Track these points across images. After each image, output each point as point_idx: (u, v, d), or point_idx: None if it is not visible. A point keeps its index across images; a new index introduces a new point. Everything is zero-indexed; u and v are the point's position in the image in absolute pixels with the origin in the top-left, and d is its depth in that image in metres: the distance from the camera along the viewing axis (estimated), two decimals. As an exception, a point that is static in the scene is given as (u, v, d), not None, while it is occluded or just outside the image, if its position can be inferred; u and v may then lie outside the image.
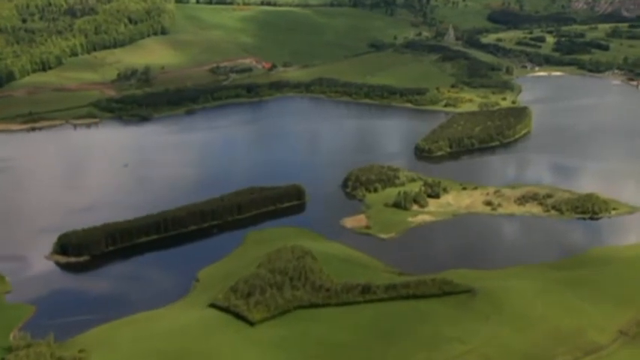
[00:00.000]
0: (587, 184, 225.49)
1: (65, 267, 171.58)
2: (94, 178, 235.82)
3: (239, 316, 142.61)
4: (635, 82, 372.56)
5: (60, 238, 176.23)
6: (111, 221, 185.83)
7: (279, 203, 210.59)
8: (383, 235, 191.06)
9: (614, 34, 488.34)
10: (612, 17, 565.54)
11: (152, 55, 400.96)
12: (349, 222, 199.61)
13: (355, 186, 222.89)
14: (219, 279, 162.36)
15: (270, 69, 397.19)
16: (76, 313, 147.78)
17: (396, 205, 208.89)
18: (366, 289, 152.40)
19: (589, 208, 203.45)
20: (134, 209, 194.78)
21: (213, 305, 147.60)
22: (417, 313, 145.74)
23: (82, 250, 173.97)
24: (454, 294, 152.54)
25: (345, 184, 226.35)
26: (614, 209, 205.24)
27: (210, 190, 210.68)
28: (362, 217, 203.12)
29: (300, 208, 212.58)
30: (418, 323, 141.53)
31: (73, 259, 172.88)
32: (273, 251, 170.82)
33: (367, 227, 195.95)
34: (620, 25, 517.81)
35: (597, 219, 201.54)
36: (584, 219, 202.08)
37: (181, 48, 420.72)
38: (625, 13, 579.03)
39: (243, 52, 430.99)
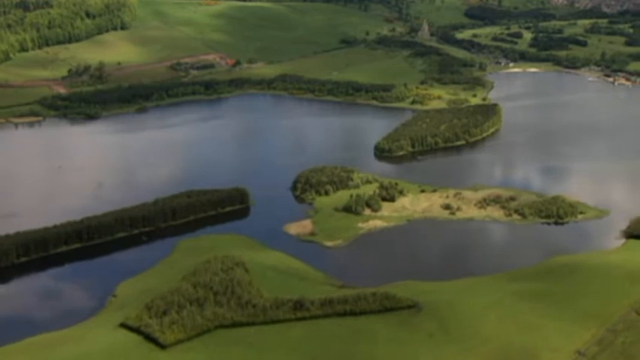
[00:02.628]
0: (554, 186, 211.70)
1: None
2: (22, 181, 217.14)
3: (150, 338, 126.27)
4: (611, 79, 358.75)
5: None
6: (29, 229, 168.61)
7: (220, 208, 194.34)
8: (328, 243, 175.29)
9: (593, 29, 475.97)
10: (592, 13, 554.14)
11: (111, 50, 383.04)
12: (293, 228, 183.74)
13: (305, 188, 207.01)
14: (139, 294, 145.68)
15: (234, 65, 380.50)
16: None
17: (347, 209, 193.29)
18: (298, 305, 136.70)
19: (554, 212, 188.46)
20: (59, 215, 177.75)
21: (123, 325, 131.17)
22: (352, 332, 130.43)
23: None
24: (397, 310, 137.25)
25: (294, 187, 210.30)
26: (581, 213, 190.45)
27: (146, 194, 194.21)
28: (308, 222, 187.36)
29: (242, 213, 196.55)
30: (353, 344, 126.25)
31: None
32: (201, 262, 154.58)
33: (312, 234, 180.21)
34: (599, 21, 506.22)
35: (562, 224, 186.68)
36: (548, 224, 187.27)
37: (143, 44, 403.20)
38: (605, 9, 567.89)
39: (207, 48, 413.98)
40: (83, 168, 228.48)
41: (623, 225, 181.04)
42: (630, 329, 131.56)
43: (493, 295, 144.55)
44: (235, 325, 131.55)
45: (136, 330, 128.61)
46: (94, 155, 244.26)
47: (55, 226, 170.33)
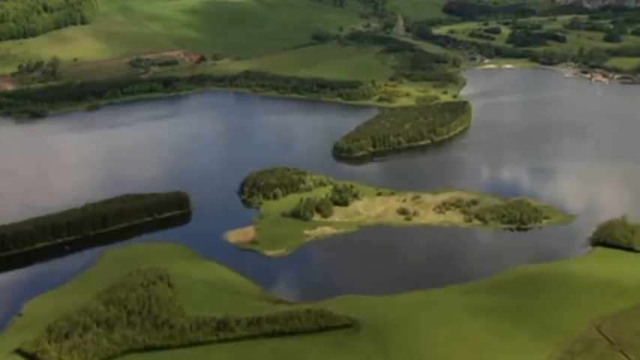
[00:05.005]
0: (521, 189, 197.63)
1: None
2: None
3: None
4: (588, 75, 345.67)
5: None
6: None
7: (157, 213, 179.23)
8: (269, 252, 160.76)
9: (572, 25, 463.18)
10: (573, 8, 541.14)
11: (69, 46, 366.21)
12: (233, 235, 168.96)
13: (252, 192, 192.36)
14: (48, 313, 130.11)
15: (198, 62, 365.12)
16: None
17: (295, 214, 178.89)
18: (221, 325, 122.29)
19: (516, 217, 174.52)
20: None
21: (19, 351, 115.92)
22: (279, 356, 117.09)
23: None
24: (332, 329, 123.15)
25: (241, 190, 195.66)
26: (545, 218, 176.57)
27: (79, 199, 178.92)
28: (250, 229, 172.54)
29: (183, 219, 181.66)
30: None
31: None
32: (122, 276, 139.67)
33: (253, 242, 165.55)
34: (580, 16, 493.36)
35: (525, 230, 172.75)
36: (510, 230, 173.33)
37: (104, 39, 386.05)
38: (586, 5, 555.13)
39: (173, 44, 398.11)
40: (14, 171, 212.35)
41: (591, 231, 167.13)
42: (589, 350, 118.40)
43: (443, 311, 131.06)
44: (147, 349, 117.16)
45: (31, 357, 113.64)
46: (29, 156, 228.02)
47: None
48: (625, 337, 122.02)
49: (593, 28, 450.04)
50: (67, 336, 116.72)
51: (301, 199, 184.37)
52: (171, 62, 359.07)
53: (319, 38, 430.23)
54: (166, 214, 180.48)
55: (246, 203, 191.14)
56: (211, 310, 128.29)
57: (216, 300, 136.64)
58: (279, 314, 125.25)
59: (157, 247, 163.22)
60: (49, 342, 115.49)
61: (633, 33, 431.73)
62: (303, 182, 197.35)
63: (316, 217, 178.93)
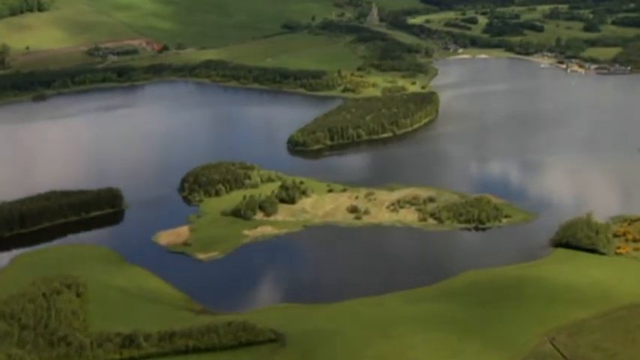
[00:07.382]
0: (483, 185, 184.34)
1: None
2: None
3: None
4: (564, 66, 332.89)
5: None
6: None
7: (85, 212, 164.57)
8: (201, 255, 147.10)
9: (552, 15, 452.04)
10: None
11: (26, 34, 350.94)
12: (165, 237, 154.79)
13: (192, 189, 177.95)
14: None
15: (161, 51, 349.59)
16: None
17: (235, 213, 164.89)
18: (127, 342, 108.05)
19: (475, 216, 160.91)
20: None
21: None
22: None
23: None
24: (254, 344, 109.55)
25: (182, 187, 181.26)
26: (506, 217, 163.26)
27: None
28: (184, 229, 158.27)
29: (113, 219, 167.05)
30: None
31: None
32: (26, 284, 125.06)
33: (186, 244, 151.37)
34: (559, 6, 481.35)
35: (483, 229, 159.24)
36: (467, 229, 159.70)
37: (65, 28, 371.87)
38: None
39: (136, 33, 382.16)
40: None
41: (554, 230, 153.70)
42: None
43: (383, 323, 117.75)
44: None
45: None
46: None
47: None
48: (581, 351, 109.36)
49: (572, 18, 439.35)
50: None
51: (244, 197, 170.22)
52: (132, 51, 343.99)
53: (290, 28, 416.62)
54: (95, 213, 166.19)
55: (186, 200, 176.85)
56: (122, 323, 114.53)
57: (132, 311, 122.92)
58: (195, 328, 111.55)
59: (78, 250, 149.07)
60: None
61: (613, 23, 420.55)
62: (249, 178, 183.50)
63: (259, 215, 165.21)
